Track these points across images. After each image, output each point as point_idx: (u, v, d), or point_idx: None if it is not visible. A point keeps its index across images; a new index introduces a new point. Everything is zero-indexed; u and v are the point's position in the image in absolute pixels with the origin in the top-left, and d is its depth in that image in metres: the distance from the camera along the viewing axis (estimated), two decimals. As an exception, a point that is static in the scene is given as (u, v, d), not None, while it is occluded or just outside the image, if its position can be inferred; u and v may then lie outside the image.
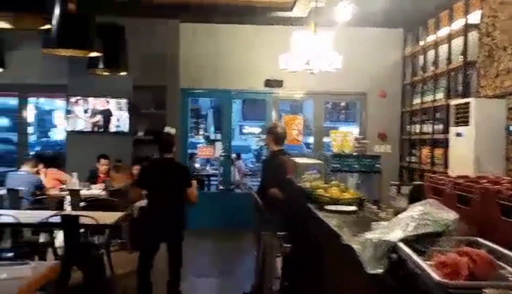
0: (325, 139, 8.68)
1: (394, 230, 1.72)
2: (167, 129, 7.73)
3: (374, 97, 8.34)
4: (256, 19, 7.78)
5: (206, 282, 5.52)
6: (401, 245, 1.62)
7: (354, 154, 6.44)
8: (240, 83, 8.26)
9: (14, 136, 11.52)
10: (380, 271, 1.67)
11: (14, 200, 6.13)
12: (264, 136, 7.42)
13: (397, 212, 2.30)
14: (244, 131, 24.04)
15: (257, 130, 20.91)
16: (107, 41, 4.68)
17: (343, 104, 17.09)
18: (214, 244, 7.23)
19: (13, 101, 10.72)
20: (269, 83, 8.20)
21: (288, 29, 6.34)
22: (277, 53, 5.80)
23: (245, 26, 8.10)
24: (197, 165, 10.14)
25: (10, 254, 4.43)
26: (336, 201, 3.17)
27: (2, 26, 3.20)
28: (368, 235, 1.80)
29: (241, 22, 7.98)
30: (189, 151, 9.07)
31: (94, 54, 4.38)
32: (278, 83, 8.17)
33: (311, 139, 9.30)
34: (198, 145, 9.84)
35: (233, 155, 9.26)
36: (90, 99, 7.67)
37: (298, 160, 4.42)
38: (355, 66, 7.40)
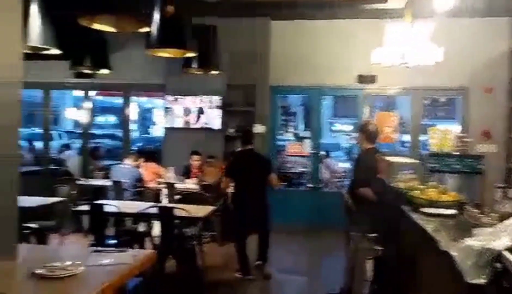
0: (422, 137, 8.21)
1: (500, 237, 1.56)
2: (256, 126, 7.87)
3: (477, 92, 7.71)
4: (347, 13, 7.58)
5: (292, 280, 5.51)
6: (508, 254, 1.46)
7: (455, 153, 6.01)
8: (331, 79, 8.11)
9: (119, 132, 12.49)
10: (482, 281, 1.52)
11: (117, 191, 6.64)
12: (355, 134, 7.22)
13: (502, 217, 2.09)
14: (334, 128, 23.63)
15: (348, 127, 20.42)
16: (201, 41, 4.86)
17: (442, 100, 16.03)
18: (301, 242, 7.20)
19: (118, 100, 11.61)
20: (361, 78, 7.95)
21: (380, 22, 6.09)
22: (369, 47, 5.59)
23: (336, 21, 7.93)
24: (285, 163, 10.16)
25: (113, 241, 4.80)
26: (433, 204, 2.98)
27: (106, 29, 3.46)
28: (469, 241, 1.66)
29: (332, 17, 7.82)
30: (278, 148, 9.10)
31: (189, 54, 4.57)
32: (371, 79, 7.89)
33: (406, 137, 8.84)
34: (287, 143, 9.85)
35: (322, 153, 9.12)
36: (185, 98, 8.04)
37: (392, 159, 4.23)
38: (455, 59, 6.88)
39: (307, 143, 8.60)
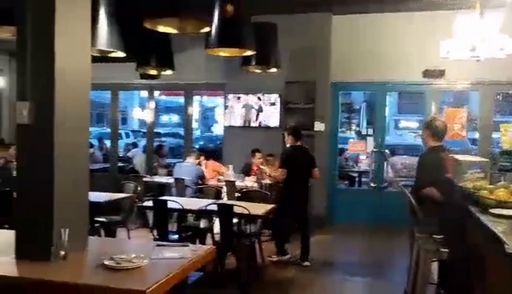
0: (494, 135, 7.74)
1: None
2: (317, 124, 7.78)
3: (557, 86, 7.14)
4: (413, 6, 7.28)
5: (354, 281, 5.39)
6: None
7: (530, 152, 5.61)
8: (395, 74, 7.81)
9: (181, 131, 12.89)
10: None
11: (180, 188, 6.85)
12: (421, 131, 6.93)
13: None
14: (400, 125, 22.87)
15: (414, 124, 19.66)
16: (260, 39, 4.88)
17: (516, 95, 15.00)
18: (363, 242, 7.03)
19: (180, 100, 11.98)
20: (428, 73, 7.59)
21: (447, 14, 5.81)
22: (437, 41, 5.33)
23: (400, 14, 7.62)
24: (347, 161, 9.97)
25: (176, 236, 4.95)
26: (503, 204, 2.79)
27: (170, 31, 3.57)
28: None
29: (396, 10, 7.54)
30: (340, 146, 8.95)
31: (248, 52, 4.61)
32: (439, 73, 7.51)
33: (477, 135, 8.36)
34: (349, 140, 9.66)
35: (386, 151, 8.84)
36: (245, 96, 8.12)
37: (460, 157, 4.00)
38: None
39: (370, 141, 8.36)
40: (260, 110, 8.05)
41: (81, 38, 2.61)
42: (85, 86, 2.64)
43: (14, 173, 5.51)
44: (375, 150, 8.25)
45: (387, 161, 8.63)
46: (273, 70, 5.67)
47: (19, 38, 2.47)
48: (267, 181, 6.63)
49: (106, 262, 2.27)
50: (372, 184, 8.40)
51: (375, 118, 8.84)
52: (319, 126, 7.79)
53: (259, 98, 8.03)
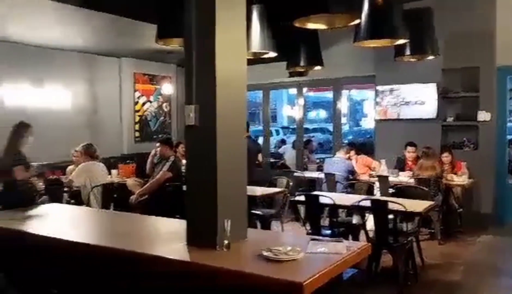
0: None
1: None
2: (481, 113, 7.04)
3: None
4: None
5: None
6: None
7: None
8: None
9: (330, 126, 12.87)
10: None
11: (330, 183, 6.85)
12: None
13: None
14: None
15: None
16: (414, 26, 4.60)
17: None
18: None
19: (329, 95, 11.97)
20: None
21: None
22: None
23: None
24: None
25: (328, 232, 4.97)
26: None
27: (320, 28, 3.60)
28: None
29: None
30: (509, 137, 7.93)
31: (401, 41, 4.38)
32: None
33: None
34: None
35: None
36: (397, 87, 7.74)
37: None
38: None
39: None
40: (415, 101, 7.59)
41: (238, 44, 2.79)
42: (242, 88, 2.82)
43: (183, 168, 6.18)
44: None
45: None
46: (430, 57, 5.29)
47: (186, 48, 2.75)
48: (425, 176, 6.23)
49: (265, 253, 2.39)
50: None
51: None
52: (483, 115, 7.02)
53: (414, 89, 7.57)
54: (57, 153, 7.12)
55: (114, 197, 6.13)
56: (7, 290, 2.93)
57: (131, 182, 6.71)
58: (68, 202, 5.53)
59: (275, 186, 6.62)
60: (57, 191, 5.65)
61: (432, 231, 6.18)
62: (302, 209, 5.93)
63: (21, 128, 4.81)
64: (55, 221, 3.64)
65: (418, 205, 4.70)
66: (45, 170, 6.77)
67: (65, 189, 5.88)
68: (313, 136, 14.69)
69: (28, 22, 6.35)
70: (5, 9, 5.65)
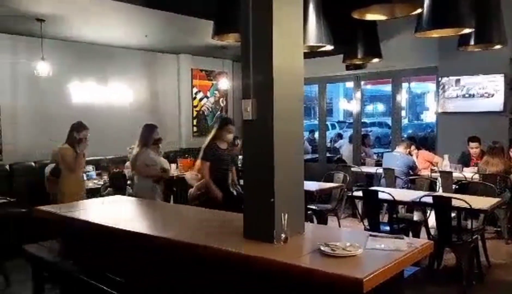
0: None
1: None
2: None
3: None
4: None
5: None
6: None
7: None
8: None
9: (388, 120, 12.51)
10: None
11: (389, 178, 6.67)
12: None
13: None
14: None
15: None
16: (479, 14, 4.35)
17: None
18: None
19: (387, 88, 11.62)
20: None
21: None
22: None
23: None
24: None
25: (387, 228, 4.84)
26: None
27: (379, 18, 3.49)
28: None
29: None
30: None
31: (466, 30, 4.16)
32: None
33: None
34: None
35: None
36: (462, 78, 7.38)
37: None
38: None
39: None
40: (480, 93, 7.20)
41: (295, 37, 2.77)
42: (298, 82, 2.80)
43: (239, 163, 6.26)
44: None
45: None
46: (497, 47, 4.98)
47: (243, 43, 2.77)
48: (491, 171, 5.91)
49: (322, 248, 2.36)
50: None
51: None
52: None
53: (480, 80, 7.18)
54: (118, 148, 7.45)
55: (173, 190, 6.33)
56: (75, 275, 3.12)
57: (189, 175, 6.89)
58: (130, 195, 5.78)
59: (331, 181, 6.55)
60: (120, 183, 5.91)
61: (499, 229, 5.86)
62: (360, 204, 5.82)
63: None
64: (119, 212, 3.81)
65: (483, 202, 4.47)
66: (109, 164, 7.13)
67: (128, 182, 6.14)
68: (370, 131, 14.35)
69: (93, 23, 6.67)
70: (72, 11, 5.97)
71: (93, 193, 5.93)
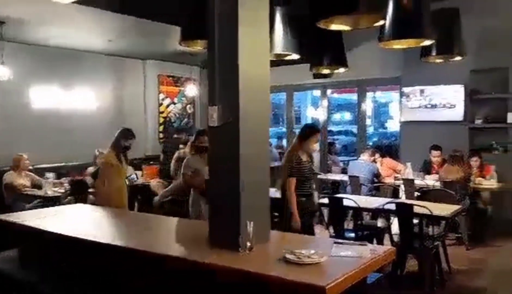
0: None
1: None
2: (510, 115, 6.84)
3: None
4: None
5: None
6: None
7: None
8: None
9: (354, 128, 12.73)
10: None
11: (354, 185, 6.77)
12: None
13: None
14: None
15: None
16: (440, 26, 4.50)
17: None
18: None
19: (353, 97, 11.83)
20: None
21: None
22: None
23: None
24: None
25: (352, 235, 4.90)
26: None
27: (343, 29, 3.55)
28: None
29: None
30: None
31: (427, 42, 4.29)
32: None
33: None
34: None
35: None
36: (423, 88, 7.60)
37: None
38: None
39: None
40: (442, 103, 7.43)
41: (261, 45, 2.78)
42: (265, 90, 2.81)
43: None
44: None
45: None
46: (457, 58, 5.16)
47: (209, 50, 2.75)
48: (451, 179, 6.09)
49: (288, 256, 2.36)
50: None
51: None
52: (514, 118, 6.84)
53: (441, 90, 7.41)
54: (84, 154, 7.26)
55: (138, 198, 6.21)
56: (38, 285, 3.00)
57: (154, 183, 6.79)
58: (92, 203, 5.64)
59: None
60: (82, 192, 5.76)
61: (460, 236, 6.03)
62: (325, 211, 5.87)
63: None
64: (79, 221, 3.70)
65: (444, 209, 4.60)
66: (72, 171, 6.94)
67: (90, 190, 5.99)
68: (337, 139, 14.55)
69: (55, 26, 6.50)
70: (35, 14, 5.81)
71: (54, 201, 5.74)
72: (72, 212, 3.99)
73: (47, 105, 7.50)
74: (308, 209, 4.34)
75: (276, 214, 4.53)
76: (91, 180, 6.28)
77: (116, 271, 2.86)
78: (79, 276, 3.07)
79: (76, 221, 3.64)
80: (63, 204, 5.32)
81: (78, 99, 8.00)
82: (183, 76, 10.04)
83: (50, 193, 6.01)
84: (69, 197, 5.74)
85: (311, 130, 4.39)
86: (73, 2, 4.85)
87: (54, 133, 7.48)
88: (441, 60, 5.30)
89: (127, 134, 4.87)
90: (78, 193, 5.68)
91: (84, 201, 5.50)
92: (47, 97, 7.52)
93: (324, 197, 5.54)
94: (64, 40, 7.33)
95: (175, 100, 10.01)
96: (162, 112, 9.75)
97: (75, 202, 5.03)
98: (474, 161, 6.52)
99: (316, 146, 4.42)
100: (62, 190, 6.13)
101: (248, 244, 2.50)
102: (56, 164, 7.14)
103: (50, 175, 6.47)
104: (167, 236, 3.17)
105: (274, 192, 4.33)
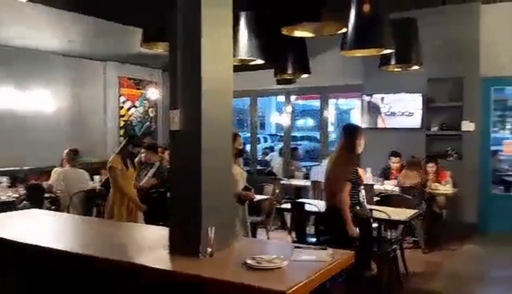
0: None
1: None
2: (465, 123, 7.13)
3: None
4: None
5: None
6: None
7: None
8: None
9: (317, 134, 12.92)
10: None
11: (317, 191, 6.85)
12: None
13: None
14: None
15: None
16: (399, 36, 4.63)
17: None
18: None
19: (315, 103, 12.01)
20: None
21: None
22: None
23: None
24: (502, 164, 8.90)
25: (313, 239, 4.94)
26: None
27: (306, 35, 3.60)
28: None
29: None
30: (493, 148, 8.03)
31: (387, 51, 4.41)
32: None
33: None
34: (504, 141, 8.61)
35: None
36: (383, 96, 7.80)
37: None
38: None
39: (530, 142, 7.34)
40: (401, 111, 7.65)
41: (224, 49, 2.77)
42: (228, 94, 2.79)
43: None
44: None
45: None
46: (415, 67, 5.33)
47: (171, 52, 2.72)
48: (408, 184, 6.26)
49: (248, 261, 2.36)
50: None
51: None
52: (467, 126, 7.13)
53: (400, 98, 7.63)
54: (40, 156, 7.01)
55: (96, 204, 6.04)
56: None
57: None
58: (48, 208, 5.43)
59: (261, 193, 6.59)
60: (38, 196, 5.54)
61: (416, 239, 6.20)
62: (288, 217, 5.90)
63: None
64: (34, 227, 3.56)
65: (402, 213, 4.72)
66: (28, 175, 6.67)
67: (46, 194, 5.77)
68: (300, 144, 14.69)
69: (12, 25, 6.26)
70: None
71: (7, 206, 5.49)
72: (27, 217, 3.83)
73: (1, 106, 7.20)
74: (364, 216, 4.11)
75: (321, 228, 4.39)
76: (47, 184, 6.07)
77: (74, 280, 2.76)
78: (32, 285, 2.94)
79: (30, 227, 3.49)
80: (18, 209, 5.09)
81: (35, 101, 7.71)
82: (145, 79, 9.88)
83: (4, 198, 5.76)
84: (24, 202, 5.51)
85: (357, 128, 4.22)
86: (31, 1, 4.69)
87: (9, 136, 7.18)
88: (399, 69, 5.45)
89: (135, 141, 5.00)
90: (34, 198, 5.45)
91: (40, 206, 5.28)
92: (1, 98, 7.22)
93: (286, 202, 5.57)
94: (23, 41, 7.07)
95: (137, 103, 9.83)
96: (123, 116, 9.54)
97: (30, 208, 4.83)
98: (431, 167, 6.74)
99: (362, 148, 4.14)
100: (17, 195, 5.88)
101: (209, 249, 2.48)
102: (11, 168, 6.85)
103: (4, 179, 6.20)
104: (125, 243, 3.09)
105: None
